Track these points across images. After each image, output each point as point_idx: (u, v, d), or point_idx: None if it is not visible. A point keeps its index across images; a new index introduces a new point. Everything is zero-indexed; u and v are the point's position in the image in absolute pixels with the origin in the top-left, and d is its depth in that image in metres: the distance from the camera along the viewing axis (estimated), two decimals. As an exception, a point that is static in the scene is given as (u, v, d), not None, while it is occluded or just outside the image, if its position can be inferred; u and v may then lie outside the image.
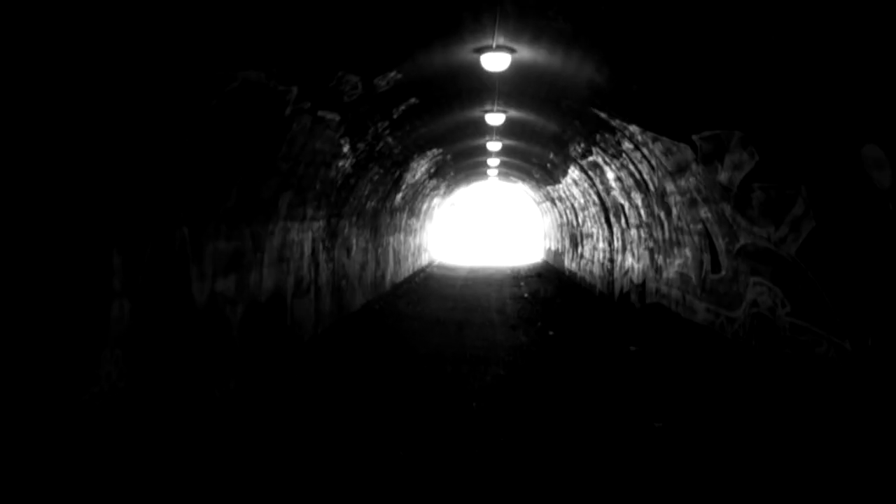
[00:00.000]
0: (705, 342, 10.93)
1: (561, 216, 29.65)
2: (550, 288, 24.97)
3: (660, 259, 13.66)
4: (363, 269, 17.91)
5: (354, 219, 16.35)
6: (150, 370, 7.10)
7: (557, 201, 28.20)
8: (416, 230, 28.43)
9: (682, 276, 12.20)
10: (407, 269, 26.43)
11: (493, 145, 20.94)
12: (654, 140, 11.38)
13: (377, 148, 14.72)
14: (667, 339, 12.96)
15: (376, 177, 16.64)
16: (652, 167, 12.50)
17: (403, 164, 18.53)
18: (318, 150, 11.23)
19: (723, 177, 9.37)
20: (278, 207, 10.70)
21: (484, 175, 33.22)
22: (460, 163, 25.55)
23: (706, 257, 10.84)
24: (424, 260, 33.25)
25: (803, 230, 7.44)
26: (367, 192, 16.53)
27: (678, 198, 11.77)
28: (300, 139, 10.27)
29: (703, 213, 10.61)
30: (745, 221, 9.03)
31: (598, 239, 20.97)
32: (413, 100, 12.87)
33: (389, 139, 14.92)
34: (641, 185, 13.88)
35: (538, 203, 36.55)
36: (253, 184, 9.39)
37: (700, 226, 10.97)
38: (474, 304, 20.16)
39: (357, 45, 9.03)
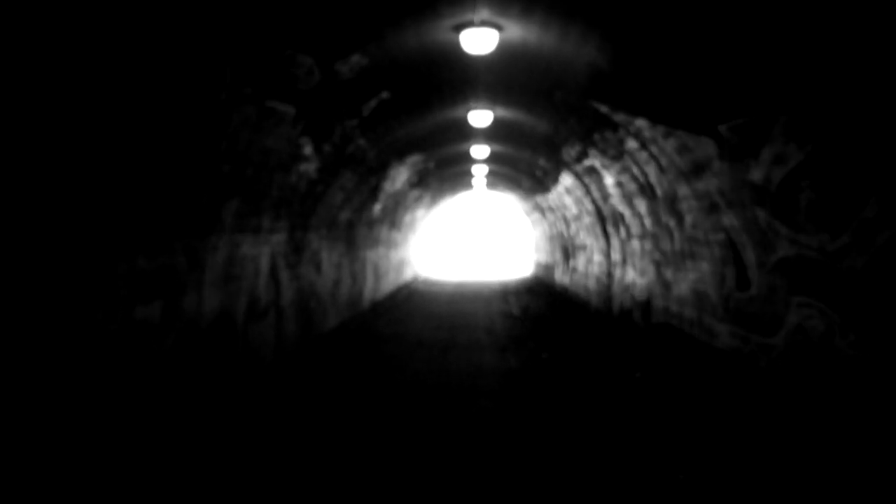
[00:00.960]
0: (730, 372, 9.17)
1: (551, 227, 27.93)
2: (542, 304, 23.21)
3: (668, 273, 11.93)
4: (336, 286, 16.10)
5: (324, 231, 14.55)
6: (27, 427, 5.25)
7: (548, 212, 26.49)
8: (398, 244, 26.64)
9: (698, 294, 10.46)
10: (389, 284, 24.62)
11: (479, 151, 19.20)
12: (666, 135, 9.67)
13: (347, 151, 12.95)
14: (679, 365, 11.21)
15: (349, 184, 14.85)
16: (661, 168, 10.79)
17: (380, 171, 16.76)
18: (270, 149, 9.45)
19: (756, 175, 7.63)
20: (221, 217, 8.89)
21: (470, 185, 31.50)
22: (444, 171, 23.80)
23: (729, 272, 9.10)
24: (409, 275, 31.44)
25: (877, 239, 5.70)
26: (339, 202, 14.74)
27: (693, 203, 10.04)
28: (245, 134, 8.47)
29: (727, 220, 8.87)
30: (786, 229, 7.29)
31: (593, 251, 19.26)
32: (385, 94, 11.12)
33: (361, 141, 13.15)
34: (647, 190, 12.17)
35: (527, 214, 34.85)
36: (184, 189, 7.59)
37: (721, 235, 9.24)
38: (461, 322, 18.37)
39: (309, 18, 7.27)
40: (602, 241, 17.66)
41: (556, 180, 19.88)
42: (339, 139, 11.90)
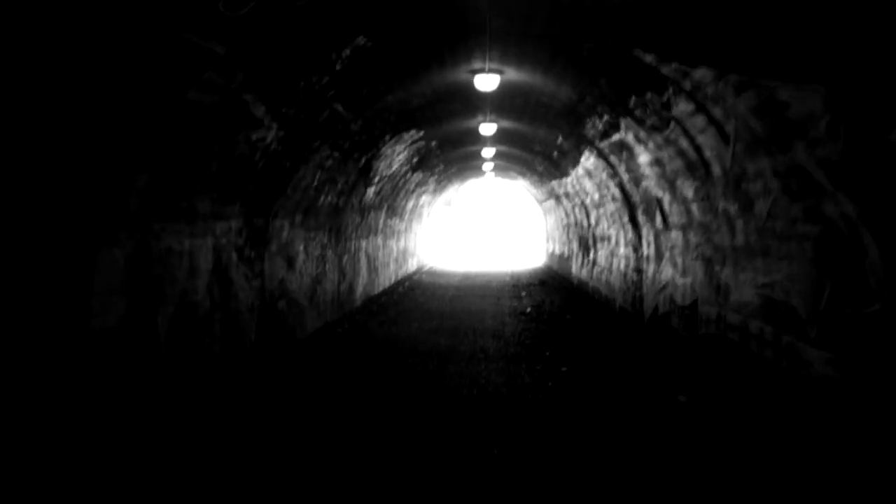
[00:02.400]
0: (827, 413, 6.49)
1: (567, 215, 25.19)
2: (557, 300, 20.52)
3: (724, 274, 9.22)
4: (318, 282, 13.48)
5: (300, 217, 11.91)
6: None
7: (563, 198, 23.75)
8: (399, 232, 24.00)
9: (772, 303, 7.76)
10: (387, 277, 21.99)
11: (488, 128, 16.49)
12: (741, 89, 6.95)
13: (321, 118, 10.27)
14: (739, 393, 8.53)
15: (329, 162, 12.19)
16: (723, 137, 8.06)
17: (370, 147, 14.09)
18: (195, 103, 6.79)
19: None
20: (123, 198, 6.27)
21: (479, 170, 28.79)
22: (449, 153, 21.09)
23: (830, 278, 6.41)
24: (412, 265, 28.80)
25: None
26: (316, 182, 12.09)
27: (772, 183, 7.33)
28: (150, 82, 5.83)
29: (833, 207, 6.17)
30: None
31: (617, 243, 16.54)
32: (361, 39, 8.42)
33: (339, 107, 10.46)
34: (697, 168, 9.45)
35: (540, 201, 32.10)
36: (48, 162, 4.96)
37: (818, 228, 6.53)
38: (465, 322, 15.73)
39: None
40: (630, 232, 14.94)
41: (575, 162, 17.14)
42: (306, 100, 9.22)
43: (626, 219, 15.23)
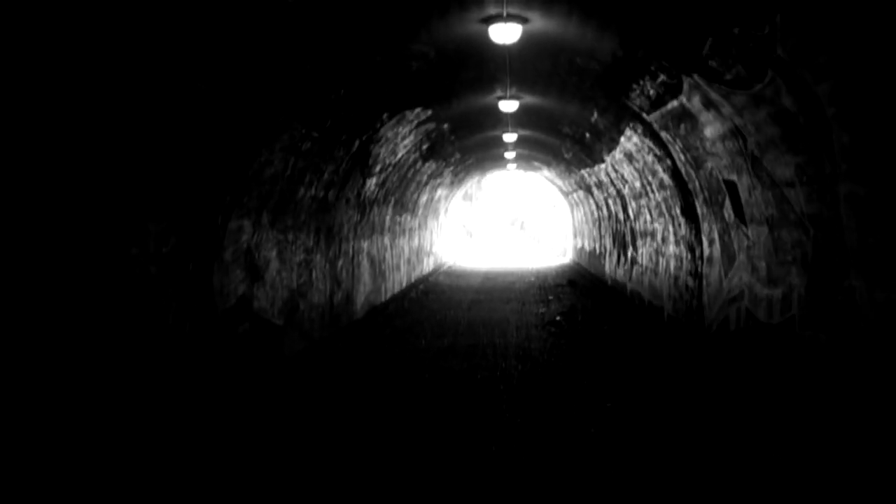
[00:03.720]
0: None
1: (599, 208, 22.26)
2: (590, 305, 17.64)
3: (851, 285, 6.35)
4: (300, 295, 10.75)
5: (268, 217, 9.17)
6: None
7: (595, 189, 20.83)
8: (411, 230, 21.23)
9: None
10: (397, 282, 19.24)
11: (508, 105, 13.64)
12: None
13: (283, 79, 7.53)
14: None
15: (307, 144, 9.45)
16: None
17: (363, 127, 11.33)
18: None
19: None
20: None
21: (500, 160, 25.94)
22: (465, 138, 18.27)
23: None
24: (428, 266, 26.05)
25: None
26: (290, 171, 9.36)
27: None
28: None
29: None
30: None
31: (665, 240, 13.62)
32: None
33: (308, 66, 7.71)
34: (804, 137, 6.57)
35: (567, 193, 29.17)
36: None
37: None
38: (484, 338, 12.95)
39: None
40: (683, 227, 12.03)
41: (612, 144, 14.24)
42: (257, 59, 6.48)
43: (677, 210, 12.32)
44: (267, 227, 9.21)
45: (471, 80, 11.71)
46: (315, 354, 11.06)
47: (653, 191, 13.63)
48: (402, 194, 18.11)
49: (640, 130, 11.79)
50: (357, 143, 11.54)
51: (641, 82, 9.43)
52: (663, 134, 10.69)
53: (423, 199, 21.79)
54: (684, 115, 9.23)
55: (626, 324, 14.32)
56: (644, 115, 10.76)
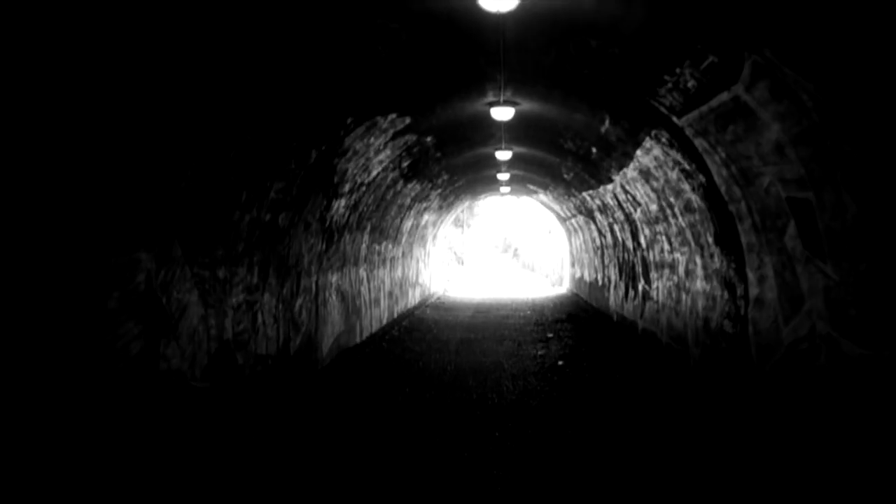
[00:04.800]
0: None
1: (602, 235, 19.90)
2: (595, 345, 15.21)
3: None
4: (238, 347, 8.28)
5: (180, 249, 6.78)
6: None
7: (598, 213, 18.49)
8: (393, 259, 18.80)
9: None
10: (378, 318, 16.76)
11: (502, 113, 11.32)
12: None
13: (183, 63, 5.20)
14: None
15: (232, 153, 7.08)
16: None
17: (321, 134, 8.96)
18: None
19: None
20: None
21: (493, 182, 23.64)
22: (453, 156, 15.94)
23: None
24: (416, 297, 23.60)
25: None
26: (216, 186, 6.98)
27: None
28: None
29: None
30: None
31: (689, 273, 11.23)
32: None
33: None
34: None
35: (565, 219, 26.85)
36: None
37: None
38: (475, 391, 10.49)
39: None
40: (718, 259, 9.64)
41: (624, 159, 11.93)
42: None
43: (708, 239, 9.95)
44: (179, 262, 6.77)
45: (454, 73, 9.37)
46: (258, 422, 8.56)
47: (674, 215, 11.27)
48: (381, 219, 15.72)
49: (664, 139, 9.45)
50: (314, 153, 9.16)
51: (679, 70, 7.10)
52: (698, 142, 8.34)
53: (407, 225, 19.40)
54: (736, 113, 6.88)
55: (642, 371, 11.87)
56: (674, 118, 8.42)
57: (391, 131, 11.07)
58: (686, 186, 10.06)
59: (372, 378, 11.60)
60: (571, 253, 29.60)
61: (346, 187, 11.54)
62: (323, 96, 8.02)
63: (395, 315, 19.38)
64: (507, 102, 11.20)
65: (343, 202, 11.80)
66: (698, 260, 10.61)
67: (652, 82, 7.89)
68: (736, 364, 9.04)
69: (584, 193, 18.18)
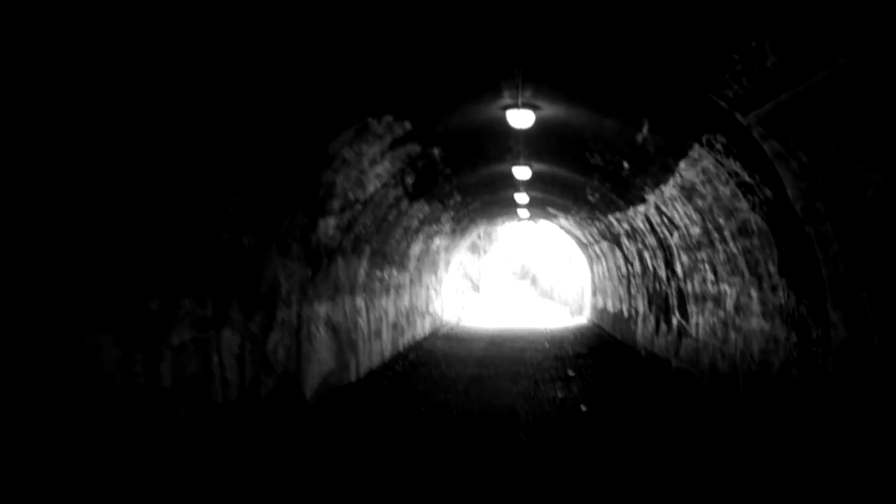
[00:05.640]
0: None
1: (629, 262, 17.98)
2: (623, 385, 13.24)
3: None
4: (183, 397, 6.47)
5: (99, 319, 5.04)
6: None
7: (626, 238, 16.61)
8: (399, 286, 16.98)
9: None
10: (379, 352, 14.89)
11: (520, 118, 9.55)
12: None
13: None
14: None
15: (204, 158, 5.35)
16: None
17: (300, 137, 7.22)
18: None
19: None
20: None
21: (511, 206, 21.84)
22: (464, 173, 14.16)
23: None
24: (425, 327, 21.73)
25: None
26: (151, 187, 5.26)
27: None
28: None
29: None
30: None
31: (741, 309, 9.29)
32: None
33: None
34: None
35: (587, 245, 24.93)
36: None
37: None
38: (485, 444, 8.59)
39: None
40: (783, 293, 7.71)
41: (664, 173, 10.08)
42: None
43: (769, 267, 8.05)
44: (105, 325, 4.99)
45: (458, 63, 7.60)
46: (202, 482, 6.69)
47: (723, 239, 9.37)
48: (384, 243, 13.93)
49: (718, 146, 7.60)
50: (286, 160, 7.39)
51: (755, 44, 5.27)
52: (769, 145, 6.48)
53: (416, 249, 17.60)
54: (841, 95, 5.03)
55: (681, 421, 9.88)
56: (738, 114, 6.58)
57: (388, 138, 9.31)
58: (743, 204, 8.17)
59: (361, 425, 9.71)
60: (593, 281, 27.63)
61: (336, 204, 9.77)
62: (296, 87, 6.28)
63: (401, 348, 17.51)
64: (525, 105, 9.42)
65: (333, 221, 10.03)
66: (754, 293, 8.68)
67: (714, 65, 6.05)
68: (808, 423, 7.07)
69: (611, 217, 16.31)
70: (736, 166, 7.55)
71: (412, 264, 17.98)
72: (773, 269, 7.93)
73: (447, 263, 25.53)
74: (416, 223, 15.53)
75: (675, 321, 13.34)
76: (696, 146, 8.15)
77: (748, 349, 9.08)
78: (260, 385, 8.39)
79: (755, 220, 7.96)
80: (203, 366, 6.91)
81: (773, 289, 8.07)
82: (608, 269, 22.32)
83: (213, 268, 6.86)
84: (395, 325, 16.54)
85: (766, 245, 7.95)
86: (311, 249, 9.64)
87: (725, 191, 8.35)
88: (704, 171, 8.56)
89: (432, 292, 22.80)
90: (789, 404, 7.62)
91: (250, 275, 7.81)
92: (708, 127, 7.40)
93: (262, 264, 8.08)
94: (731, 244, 9.13)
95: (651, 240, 13.91)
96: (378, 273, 14.32)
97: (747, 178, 7.49)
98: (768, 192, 7.19)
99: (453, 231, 21.40)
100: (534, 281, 63.40)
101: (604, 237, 19.64)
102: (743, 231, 8.52)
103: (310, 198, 8.72)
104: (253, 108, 6.20)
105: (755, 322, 8.74)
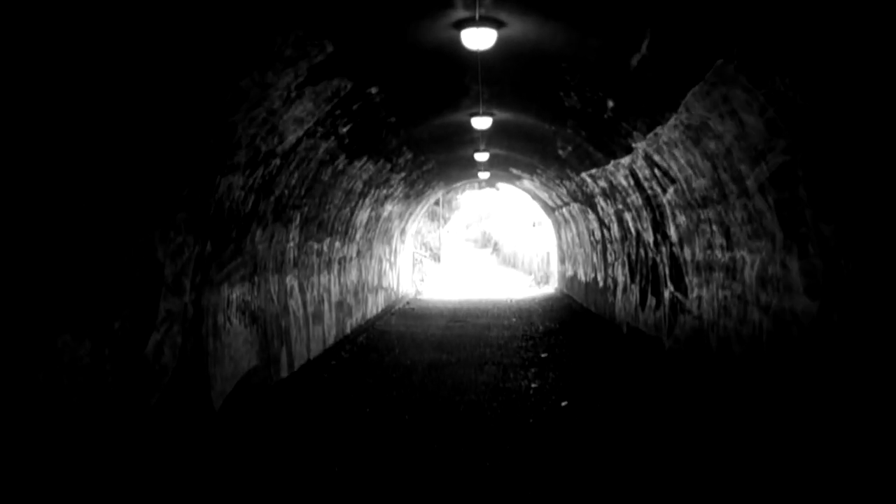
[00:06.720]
0: None
1: (605, 226, 15.84)
2: (608, 371, 11.18)
3: None
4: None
5: None
6: None
7: (602, 198, 14.43)
8: (344, 260, 14.59)
9: None
10: (318, 338, 12.53)
11: (476, 38, 7.20)
12: None
13: None
14: None
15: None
16: None
17: (198, 54, 4.80)
18: None
19: None
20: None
21: (470, 166, 19.54)
22: (415, 124, 11.76)
23: None
24: (378, 304, 19.43)
25: None
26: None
27: None
28: None
29: None
30: None
31: (768, 280, 7.18)
32: None
33: None
34: None
35: (554, 209, 22.77)
36: None
37: None
38: (433, 474, 6.43)
39: None
40: (820, 260, 5.62)
41: (664, 111, 7.87)
42: None
43: (820, 226, 5.92)
44: None
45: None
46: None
47: (745, 192, 7.20)
48: (321, 209, 11.52)
49: (751, 65, 5.37)
50: (138, 85, 4.96)
51: None
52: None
53: (363, 217, 15.22)
54: None
55: (694, 422, 7.76)
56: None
57: (304, 65, 6.88)
58: (777, 143, 5.99)
59: (280, 441, 7.38)
60: (561, 248, 25.56)
61: (242, 156, 7.35)
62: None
63: (349, 330, 15.19)
64: (484, 20, 7.05)
65: (238, 180, 7.60)
66: (793, 262, 6.53)
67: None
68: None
69: (584, 174, 14.11)
70: (783, 85, 5.33)
71: (359, 234, 15.61)
72: (829, 228, 5.76)
73: (402, 232, 23.17)
74: (360, 185, 13.13)
75: (666, 294, 11.24)
76: (719, 62, 5.91)
77: (770, 330, 6.97)
78: (135, 400, 6.02)
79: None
80: (27, 388, 4.52)
81: (804, 251, 5.93)
82: (578, 234, 20.21)
83: (31, 253, 4.44)
84: (340, 305, 14.20)
85: (811, 197, 5.78)
86: (210, 217, 7.23)
87: (757, 124, 6.14)
88: (726, 98, 6.33)
89: (386, 264, 20.46)
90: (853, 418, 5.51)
91: (104, 257, 5.40)
92: (736, 42, 5.14)
93: (124, 241, 5.66)
94: (757, 198, 6.95)
95: (635, 198, 11.74)
96: (315, 245, 11.92)
97: (800, 101, 5.28)
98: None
99: (407, 196, 19.01)
100: (496, 248, 61.44)
101: (574, 198, 17.46)
102: (777, 179, 6.33)
103: (196, 145, 6.29)
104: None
105: (795, 299, 6.60)
